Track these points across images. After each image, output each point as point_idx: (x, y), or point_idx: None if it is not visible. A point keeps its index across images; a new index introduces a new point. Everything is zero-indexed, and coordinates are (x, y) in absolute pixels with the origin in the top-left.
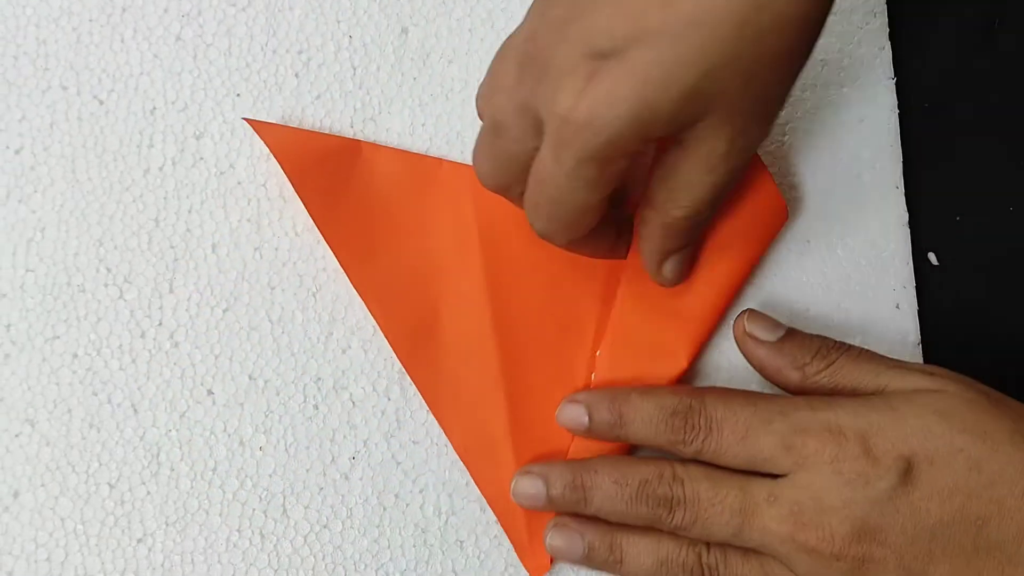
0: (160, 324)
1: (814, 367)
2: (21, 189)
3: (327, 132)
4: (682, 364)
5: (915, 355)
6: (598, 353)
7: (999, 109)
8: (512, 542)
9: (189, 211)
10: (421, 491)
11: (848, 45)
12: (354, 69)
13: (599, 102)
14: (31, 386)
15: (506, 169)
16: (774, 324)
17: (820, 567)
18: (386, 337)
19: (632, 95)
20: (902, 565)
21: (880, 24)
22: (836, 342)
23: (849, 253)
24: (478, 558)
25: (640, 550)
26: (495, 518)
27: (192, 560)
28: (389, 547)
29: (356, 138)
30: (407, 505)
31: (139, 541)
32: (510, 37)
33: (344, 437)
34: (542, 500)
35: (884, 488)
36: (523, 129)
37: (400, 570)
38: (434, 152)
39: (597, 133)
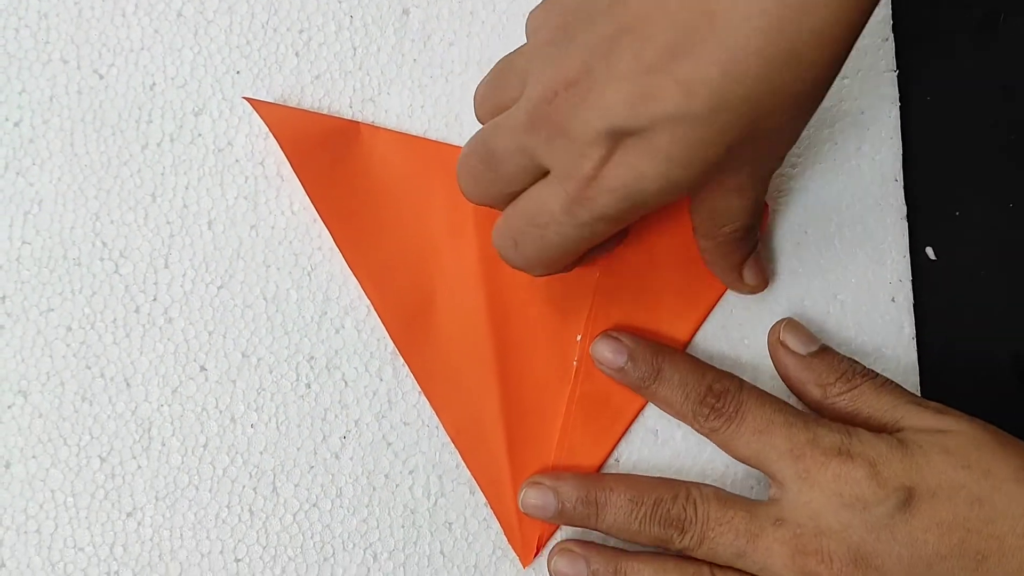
0: (155, 299)
1: (837, 388)
2: (19, 161)
3: (326, 112)
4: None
5: (909, 348)
6: (578, 338)
7: (1000, 104)
8: (501, 524)
9: (186, 187)
10: (411, 472)
11: None
12: (354, 49)
13: (624, 175)
14: (24, 358)
15: (489, 196)
16: (808, 338)
17: None
18: (380, 318)
19: (654, 172)
20: None
21: (883, 16)
22: (864, 368)
23: (846, 245)
24: (466, 540)
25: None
26: (484, 500)
27: (181, 535)
28: (378, 527)
29: (355, 119)
30: (397, 486)
31: (128, 515)
32: (512, 59)
33: (336, 416)
34: (551, 512)
35: (882, 514)
36: (520, 172)
37: (388, 550)
38: (432, 134)
39: (622, 199)
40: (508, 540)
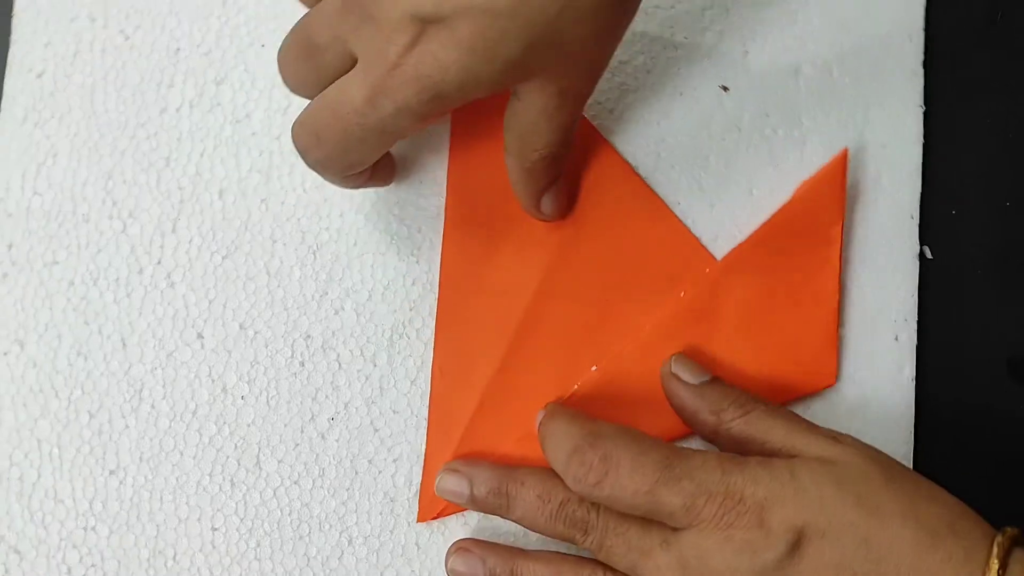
0: (159, 263)
1: (730, 414)
2: (39, 113)
3: None
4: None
5: (907, 391)
6: (593, 368)
7: (997, 104)
8: (424, 475)
9: (201, 155)
10: (395, 460)
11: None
12: None
13: (426, 63)
14: (24, 307)
15: (307, 87)
16: (699, 369)
17: None
18: (441, 268)
19: (456, 63)
20: None
21: (915, 51)
22: (755, 397)
23: (855, 278)
24: (442, 534)
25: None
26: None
27: (161, 498)
28: (356, 511)
29: None
30: (379, 472)
31: (111, 473)
32: None
33: (326, 397)
34: (464, 499)
35: (771, 559)
36: (334, 59)
37: (364, 535)
38: (449, 124)
39: (423, 90)
40: (420, 491)
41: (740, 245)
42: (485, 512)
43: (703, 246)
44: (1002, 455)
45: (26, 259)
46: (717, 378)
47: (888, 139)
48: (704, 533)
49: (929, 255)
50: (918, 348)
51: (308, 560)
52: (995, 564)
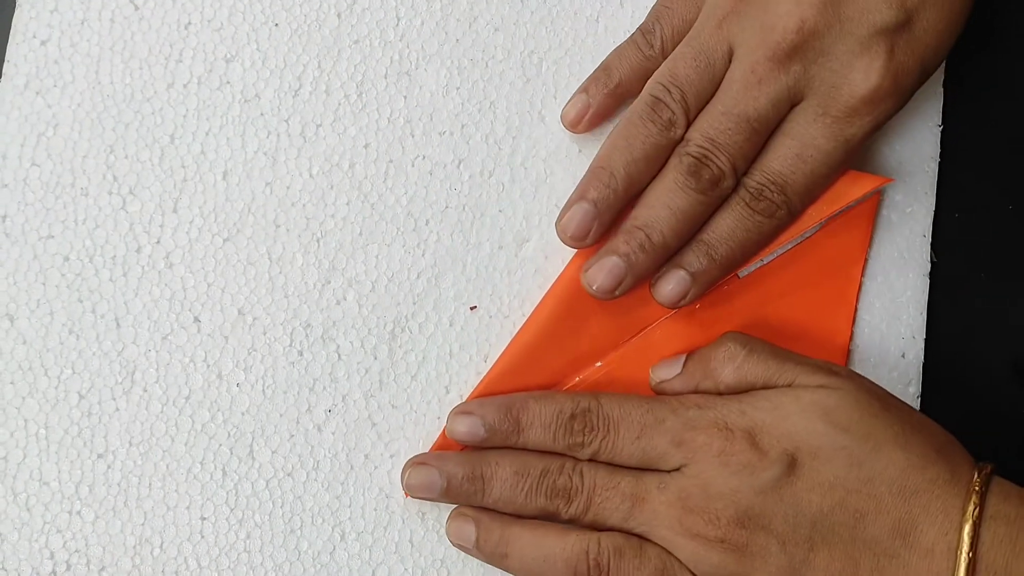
0: (158, 242)
1: (722, 372)
2: (41, 81)
3: (356, 80)
4: None
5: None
6: (598, 364)
7: (998, 105)
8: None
9: (207, 133)
10: (392, 456)
11: None
12: (398, 19)
13: (900, 74)
14: (17, 281)
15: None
16: (672, 361)
17: (703, 553)
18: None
19: (917, 65)
20: (784, 552)
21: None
22: (734, 336)
23: (865, 294)
24: (437, 532)
25: (524, 543)
26: None
27: (149, 484)
28: (350, 506)
29: (387, 90)
30: (375, 467)
31: (99, 456)
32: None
33: (324, 388)
34: (437, 490)
35: (769, 478)
36: (777, 114)
37: (357, 531)
38: (463, 118)
39: (894, 105)
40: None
41: (761, 267)
42: (459, 502)
43: None
44: (1006, 457)
45: (21, 232)
46: (690, 354)
47: (904, 157)
48: (701, 464)
49: (933, 258)
50: (924, 353)
51: (299, 554)
52: (977, 483)
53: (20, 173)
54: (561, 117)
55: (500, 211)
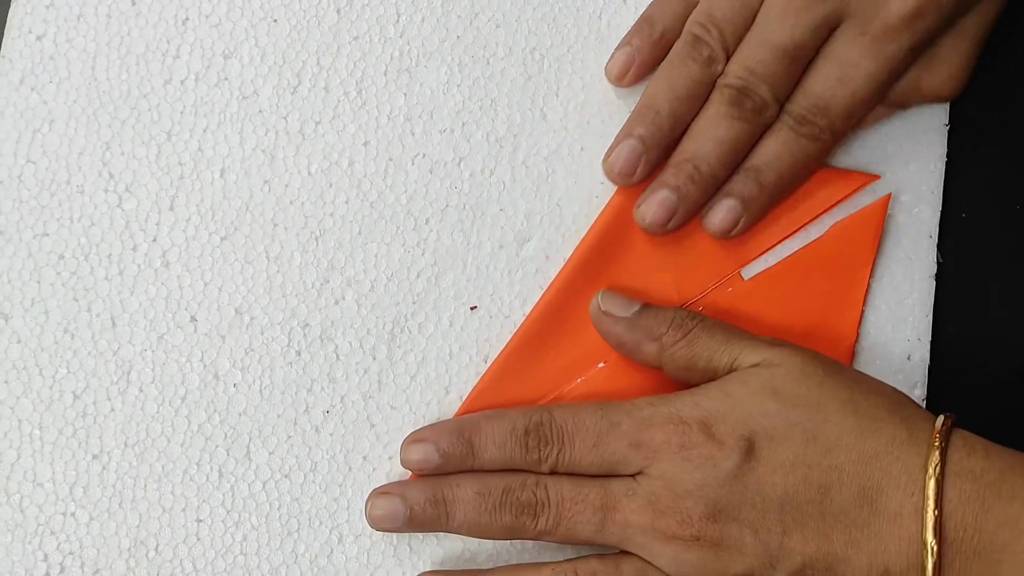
0: (154, 240)
1: (671, 337)
2: (36, 77)
3: (355, 77)
4: None
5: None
6: (600, 365)
7: (1007, 105)
8: None
9: (204, 130)
10: (391, 458)
11: None
12: (398, 15)
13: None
14: (11, 279)
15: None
16: (628, 301)
17: (681, 554)
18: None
19: None
20: (759, 540)
21: None
22: (691, 313)
23: (871, 295)
24: (436, 536)
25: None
26: None
27: (145, 486)
28: (348, 508)
29: (387, 87)
30: (374, 469)
31: (95, 457)
32: None
33: (322, 389)
34: (400, 519)
35: (730, 467)
36: (816, 40)
37: (355, 533)
38: (464, 116)
39: (934, 23)
40: None
41: (767, 270)
42: (424, 530)
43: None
44: None
45: (15, 229)
46: (647, 304)
47: (911, 157)
48: (664, 463)
49: (939, 259)
50: (930, 355)
51: (296, 557)
52: (937, 439)
53: (15, 170)
54: (606, 72)
55: (501, 210)
